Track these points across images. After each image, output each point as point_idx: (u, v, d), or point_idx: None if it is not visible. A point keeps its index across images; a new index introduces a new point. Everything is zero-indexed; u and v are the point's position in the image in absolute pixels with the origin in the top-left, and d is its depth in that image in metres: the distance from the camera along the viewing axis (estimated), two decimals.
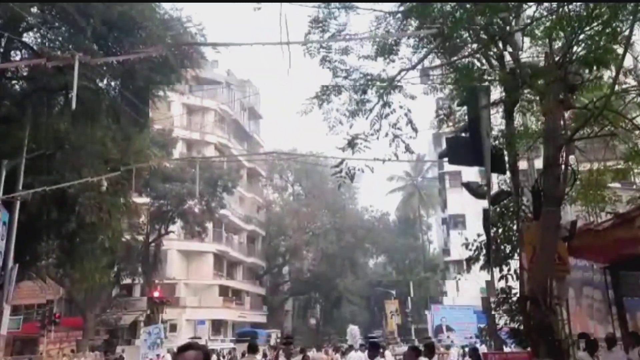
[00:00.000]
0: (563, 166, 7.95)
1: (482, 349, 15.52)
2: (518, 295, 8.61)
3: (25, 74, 12.54)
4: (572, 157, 8.84)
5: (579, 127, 8.22)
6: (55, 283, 22.29)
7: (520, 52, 8.79)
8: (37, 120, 13.91)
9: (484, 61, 9.11)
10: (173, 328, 34.87)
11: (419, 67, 10.13)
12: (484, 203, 8.54)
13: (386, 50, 9.19)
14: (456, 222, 43.67)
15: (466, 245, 10.18)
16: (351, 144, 9.03)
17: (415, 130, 9.32)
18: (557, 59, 7.94)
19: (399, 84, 9.68)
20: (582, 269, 10.92)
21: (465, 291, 32.33)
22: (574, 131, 8.14)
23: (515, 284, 9.09)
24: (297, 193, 56.63)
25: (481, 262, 9.80)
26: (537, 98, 8.80)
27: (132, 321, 32.64)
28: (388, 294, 49.46)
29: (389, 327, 42.67)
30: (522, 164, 10.63)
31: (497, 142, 9.48)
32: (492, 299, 9.08)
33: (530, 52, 9.18)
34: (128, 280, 31.84)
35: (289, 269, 54.40)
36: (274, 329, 40.37)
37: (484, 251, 9.38)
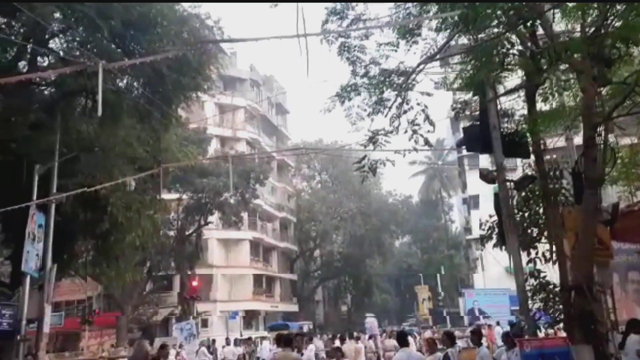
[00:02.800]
0: (602, 146, 7.04)
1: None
2: (559, 284, 7.63)
3: (52, 79, 11.86)
4: (611, 136, 7.81)
5: (618, 104, 7.10)
6: (92, 280, 22.06)
7: (551, 28, 7.65)
8: (66, 125, 13.28)
9: (511, 38, 7.97)
10: (205, 323, 34.56)
11: (440, 54, 9.15)
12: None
13: (407, 33, 8.28)
14: (476, 202, 42.56)
15: (480, 225, 9.33)
16: (372, 140, 8.73)
17: (432, 125, 8.86)
18: (590, 32, 6.93)
19: (420, 73, 8.81)
20: (627, 252, 9.67)
21: (491, 270, 31.02)
22: (612, 108, 7.09)
23: (544, 267, 8.27)
24: (324, 181, 56.05)
25: (494, 240, 8.98)
26: (573, 75, 7.68)
27: (165, 316, 32.57)
28: (418, 279, 48.07)
29: (422, 314, 41.48)
30: (562, 143, 9.55)
31: (518, 127, 8.71)
32: (527, 288, 8.12)
33: (560, 26, 8.11)
34: (163, 274, 31.76)
35: (320, 252, 53.98)
36: (306, 318, 39.95)
37: (497, 230, 8.67)
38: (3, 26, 12.01)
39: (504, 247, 7.84)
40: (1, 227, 12.47)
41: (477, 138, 8.15)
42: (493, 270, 30.42)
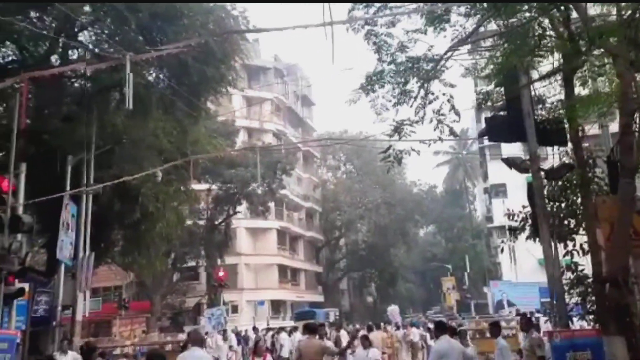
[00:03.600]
0: (639, 133, 6.67)
1: (547, 326, 13.96)
2: (592, 276, 7.23)
3: (82, 72, 11.89)
4: None
5: None
6: (123, 269, 22.42)
7: (586, 11, 7.17)
8: (101, 118, 13.36)
9: (543, 23, 7.51)
10: (234, 310, 34.84)
11: (470, 40, 8.74)
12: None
13: (436, 19, 7.91)
14: (497, 191, 41.82)
15: (509, 216, 8.91)
16: (397, 130, 8.45)
17: (458, 114, 8.52)
18: (626, 15, 6.46)
19: (449, 59, 8.43)
20: None
21: (523, 262, 30.23)
22: None
23: (581, 260, 7.84)
24: (349, 171, 55.69)
25: (527, 232, 8.55)
26: (608, 60, 7.18)
27: (195, 304, 33.04)
28: (443, 269, 47.34)
29: (448, 304, 40.84)
30: (595, 131, 9.03)
31: (553, 113, 8.22)
32: (564, 281, 7.73)
33: (595, 9, 7.62)
34: (193, 263, 32.11)
35: (345, 241, 53.86)
36: (331, 307, 39.83)
37: (530, 222, 8.23)
38: (35, 20, 12.04)
39: (537, 239, 7.43)
40: (36, 217, 12.63)
41: (500, 128, 7.85)
42: (525, 262, 29.68)
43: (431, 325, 20.90)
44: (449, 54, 8.37)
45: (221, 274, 27.09)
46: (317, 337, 8.28)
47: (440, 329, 7.80)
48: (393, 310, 23.94)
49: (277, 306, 40.39)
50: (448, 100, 8.48)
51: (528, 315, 14.23)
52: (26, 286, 9.90)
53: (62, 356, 9.95)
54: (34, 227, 10.58)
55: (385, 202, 48.86)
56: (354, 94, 8.96)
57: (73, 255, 12.86)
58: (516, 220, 8.51)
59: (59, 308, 12.46)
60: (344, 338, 16.11)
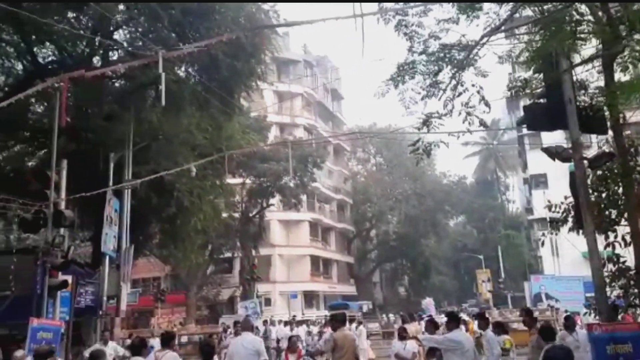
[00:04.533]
0: None
1: (588, 319, 13.32)
2: (635, 268, 6.74)
3: (122, 72, 11.98)
4: None
5: None
6: (160, 262, 22.81)
7: None
8: (138, 115, 13.49)
9: (580, 8, 6.99)
10: (267, 302, 35.05)
11: (505, 26, 8.24)
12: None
13: (468, 8, 7.48)
14: (538, 182, 40.18)
15: (549, 207, 8.39)
16: (426, 123, 8.16)
17: (488, 106, 8.08)
18: None
19: (483, 47, 7.98)
20: None
21: (566, 255, 29.15)
22: None
23: (623, 252, 7.35)
24: (379, 163, 55.26)
25: (569, 223, 8.04)
26: None
27: (229, 296, 33.40)
28: (476, 260, 46.21)
29: (483, 296, 39.88)
30: (637, 118, 8.39)
31: (593, 100, 7.69)
32: (605, 274, 7.22)
33: None
34: (229, 254, 32.43)
35: (375, 232, 53.52)
36: (364, 300, 39.55)
37: (572, 213, 7.68)
38: (72, 20, 12.17)
39: (580, 231, 6.94)
40: (78, 212, 12.92)
41: (539, 116, 7.30)
42: (568, 255, 28.60)
43: (467, 319, 20.46)
44: (484, 40, 7.92)
45: (255, 261, 27.28)
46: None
47: (454, 321, 7.22)
48: (428, 302, 23.52)
49: (309, 298, 40.47)
50: (478, 92, 8.07)
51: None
52: (69, 278, 10.07)
53: (103, 347, 10.07)
54: (76, 222, 10.77)
55: (415, 193, 48.35)
56: (383, 85, 8.64)
57: (117, 248, 13.07)
58: (557, 212, 8.02)
59: (105, 298, 12.71)
60: (363, 338, 15.21)
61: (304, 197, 36.55)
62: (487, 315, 10.65)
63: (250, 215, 32.43)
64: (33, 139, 14.99)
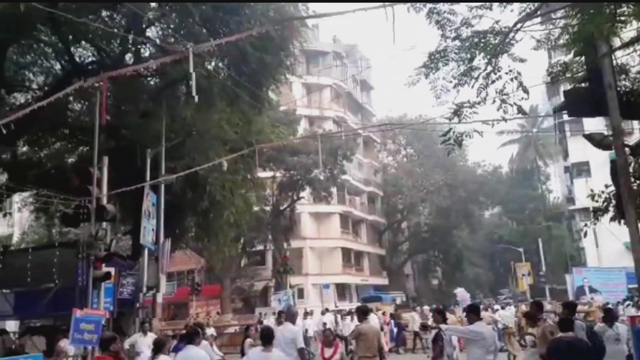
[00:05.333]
0: None
1: (630, 310, 13.05)
2: None
3: (154, 69, 12.33)
4: None
5: None
6: (196, 254, 23.40)
7: None
8: (172, 112, 13.88)
9: None
10: (300, 293, 35.45)
11: (541, 10, 8.05)
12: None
13: None
14: (580, 170, 38.87)
15: (592, 197, 8.19)
16: (457, 113, 8.03)
17: (526, 92, 7.88)
18: None
19: (519, 31, 7.82)
20: None
21: (607, 246, 28.25)
22: None
23: None
24: (410, 155, 54.62)
25: (611, 213, 7.83)
26: None
27: (263, 287, 33.91)
28: (512, 252, 45.13)
29: (520, 288, 39.08)
30: None
31: (634, 85, 7.48)
32: None
33: None
34: (261, 247, 32.91)
35: (407, 224, 53.11)
36: (396, 291, 39.43)
37: (614, 202, 7.51)
38: (106, 19, 12.56)
39: (622, 221, 6.77)
40: (119, 206, 13.44)
41: (581, 101, 7.06)
42: (609, 246, 27.71)
43: (499, 308, 20.23)
44: (519, 25, 7.77)
45: (287, 254, 27.67)
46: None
47: (475, 313, 7.20)
48: (461, 292, 23.35)
49: (342, 290, 40.68)
50: (515, 78, 7.90)
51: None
52: (112, 270, 10.53)
53: (143, 337, 10.45)
54: (117, 216, 11.25)
55: (446, 184, 47.70)
56: (414, 74, 8.57)
57: (155, 241, 13.56)
58: (599, 201, 7.84)
59: (144, 290, 13.21)
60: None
61: (334, 190, 36.75)
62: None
63: (281, 208, 32.81)
64: (72, 136, 15.63)
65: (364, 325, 8.03)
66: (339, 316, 20.37)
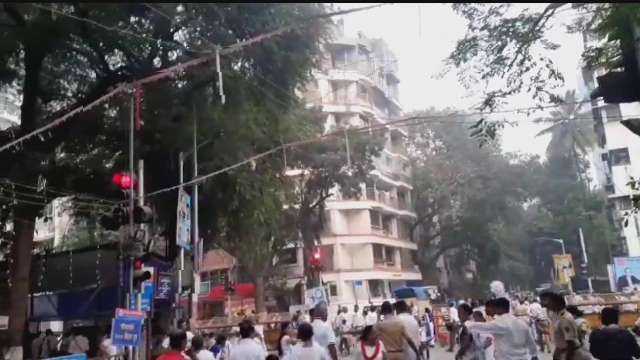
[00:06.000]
0: None
1: None
2: None
3: (183, 72, 12.63)
4: None
5: None
6: (227, 254, 23.77)
7: None
8: (201, 114, 14.17)
9: None
10: (333, 290, 35.63)
11: None
12: None
13: None
14: (618, 157, 37.55)
15: (632, 184, 7.95)
16: (488, 103, 8.02)
17: (561, 78, 7.81)
18: None
19: (549, 17, 7.66)
20: None
21: None
22: None
23: None
24: (439, 147, 53.90)
25: None
26: None
27: (296, 285, 34.15)
28: (553, 244, 43.95)
29: (561, 281, 38.10)
30: None
31: None
32: None
33: None
34: (292, 245, 33.18)
35: (438, 218, 52.56)
36: (429, 285, 39.09)
37: None
38: (135, 25, 12.90)
39: None
40: (155, 208, 13.82)
41: (617, 86, 6.81)
42: None
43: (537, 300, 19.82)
44: (549, 12, 7.62)
45: (317, 255, 27.83)
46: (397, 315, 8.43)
47: (503, 306, 7.19)
48: (497, 285, 22.91)
49: (374, 285, 40.64)
50: (547, 65, 7.74)
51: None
52: (151, 270, 10.88)
53: None
54: (154, 217, 11.59)
55: (479, 176, 46.91)
56: (443, 64, 8.54)
57: (190, 241, 13.92)
58: (638, 189, 7.62)
59: (180, 289, 13.58)
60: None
61: (363, 186, 36.62)
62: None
63: (311, 206, 32.94)
64: (109, 142, 16.17)
65: (384, 321, 8.22)
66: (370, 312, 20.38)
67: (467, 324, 7.81)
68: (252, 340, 7.17)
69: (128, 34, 11.57)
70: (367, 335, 7.27)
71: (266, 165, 15.63)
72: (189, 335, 11.78)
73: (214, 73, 9.73)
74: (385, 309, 8.51)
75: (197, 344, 7.79)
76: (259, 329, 14.04)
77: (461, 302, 17.34)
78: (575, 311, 8.51)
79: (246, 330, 7.10)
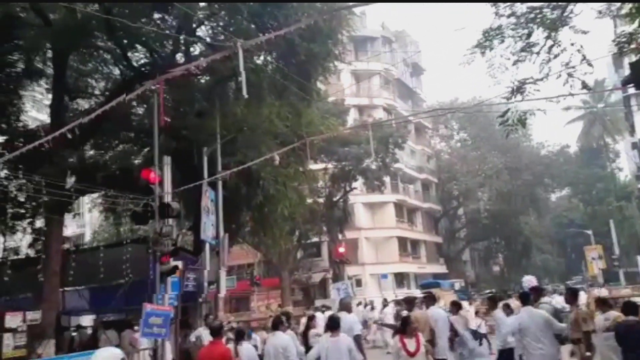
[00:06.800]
0: None
1: None
2: None
3: (204, 66, 12.67)
4: None
5: None
6: (252, 248, 23.90)
7: None
8: (223, 109, 14.25)
9: None
10: (358, 283, 35.64)
11: None
12: None
13: None
14: None
15: None
16: (519, 90, 7.87)
17: (590, 65, 7.64)
18: None
19: (578, 2, 7.39)
20: None
21: None
22: None
23: None
24: (464, 139, 52.99)
25: None
26: None
27: (321, 278, 34.23)
28: (584, 236, 42.82)
29: (590, 272, 37.21)
30: None
31: None
32: None
33: None
34: (316, 239, 33.31)
35: (464, 210, 51.88)
36: (455, 278, 38.68)
37: None
38: (158, 22, 13.03)
39: None
40: (182, 203, 14.00)
41: None
42: None
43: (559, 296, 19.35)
44: None
45: (341, 249, 27.79)
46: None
47: (524, 300, 7.44)
48: (530, 280, 22.51)
49: (400, 279, 40.50)
50: (578, 51, 7.48)
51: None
52: (179, 264, 11.05)
53: (206, 330, 10.87)
54: (182, 212, 11.73)
55: (507, 167, 45.97)
56: (468, 53, 8.35)
57: (215, 236, 14.07)
58: None
59: (206, 284, 13.75)
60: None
61: (387, 179, 36.42)
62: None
63: (334, 199, 32.91)
64: (137, 138, 16.45)
65: (415, 312, 8.38)
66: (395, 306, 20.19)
67: (452, 318, 8.16)
68: (283, 334, 7.50)
69: (152, 31, 11.69)
70: (405, 327, 6.61)
71: (290, 160, 15.65)
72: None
73: (236, 67, 9.77)
74: (409, 303, 8.83)
75: (241, 335, 8.08)
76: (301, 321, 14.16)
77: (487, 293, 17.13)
78: (607, 304, 8.37)
79: (275, 324, 7.55)
